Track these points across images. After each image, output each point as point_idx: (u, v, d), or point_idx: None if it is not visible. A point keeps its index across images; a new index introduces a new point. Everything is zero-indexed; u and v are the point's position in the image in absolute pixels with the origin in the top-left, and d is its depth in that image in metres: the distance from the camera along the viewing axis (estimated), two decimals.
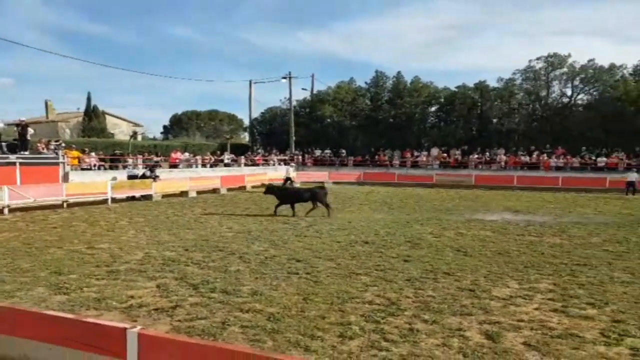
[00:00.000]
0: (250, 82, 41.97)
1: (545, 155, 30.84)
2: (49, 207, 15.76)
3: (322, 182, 20.24)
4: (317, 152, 37.27)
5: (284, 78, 39.35)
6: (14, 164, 17.05)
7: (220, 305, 5.74)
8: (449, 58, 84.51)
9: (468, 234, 11.20)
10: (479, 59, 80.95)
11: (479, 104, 37.18)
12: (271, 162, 34.25)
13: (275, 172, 30.34)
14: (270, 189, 15.63)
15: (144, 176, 21.00)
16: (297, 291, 6.33)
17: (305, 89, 42.11)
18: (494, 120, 37.22)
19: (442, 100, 38.09)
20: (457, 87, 37.74)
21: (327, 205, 14.65)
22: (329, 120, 39.68)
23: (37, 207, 15.31)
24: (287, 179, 25.22)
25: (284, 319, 5.23)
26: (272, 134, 42.47)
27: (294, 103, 40.49)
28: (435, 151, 34.19)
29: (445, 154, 33.49)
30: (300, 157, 36.50)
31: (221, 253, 8.82)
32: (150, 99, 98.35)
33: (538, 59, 35.64)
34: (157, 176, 21.38)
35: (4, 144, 18.39)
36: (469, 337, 4.74)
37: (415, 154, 34.58)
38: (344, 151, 36.28)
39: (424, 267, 7.76)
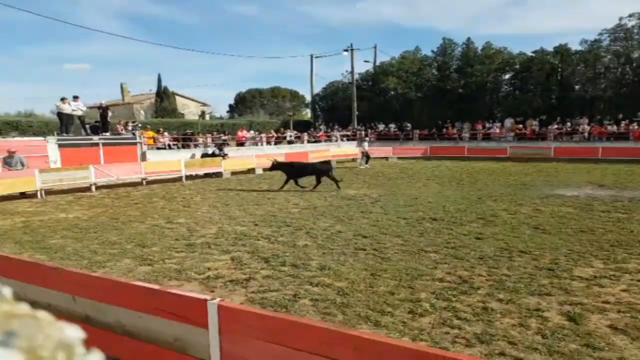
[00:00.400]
0: (311, 56, 41.63)
1: (635, 124, 28.08)
2: (130, 184, 16.81)
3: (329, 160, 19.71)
4: (381, 127, 36.57)
5: (346, 51, 38.48)
6: (97, 144, 18.32)
7: (291, 279, 5.89)
8: (525, 21, 78.94)
9: (546, 211, 10.62)
10: (559, 20, 75.04)
11: (559, 69, 33.97)
12: (334, 138, 34.15)
13: (338, 148, 30.30)
14: (276, 165, 16.10)
15: (213, 154, 21.81)
16: (365, 267, 6.35)
17: (367, 61, 41.12)
18: (577, 87, 33.89)
19: (517, 66, 35.28)
20: (534, 52, 34.63)
21: (334, 179, 15.05)
22: (392, 92, 38.38)
23: (120, 185, 16.38)
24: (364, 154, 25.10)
25: (353, 294, 5.28)
26: (333, 109, 42.03)
27: (356, 76, 39.66)
28: (509, 122, 32.10)
29: (520, 125, 31.22)
30: (362, 132, 36.10)
31: (289, 228, 9.01)
32: (216, 78, 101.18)
33: (631, 16, 31.61)
34: (226, 154, 22.13)
35: (87, 126, 19.77)
36: (548, 317, 4.53)
37: (487, 125, 32.59)
38: (408, 125, 35.16)
39: (498, 245, 7.48)
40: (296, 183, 15.28)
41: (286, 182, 15.28)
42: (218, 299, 3.20)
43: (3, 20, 77.06)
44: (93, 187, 15.54)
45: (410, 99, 37.65)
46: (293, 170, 15.67)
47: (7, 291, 0.45)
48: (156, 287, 4.09)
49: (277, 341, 2.84)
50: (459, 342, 4.10)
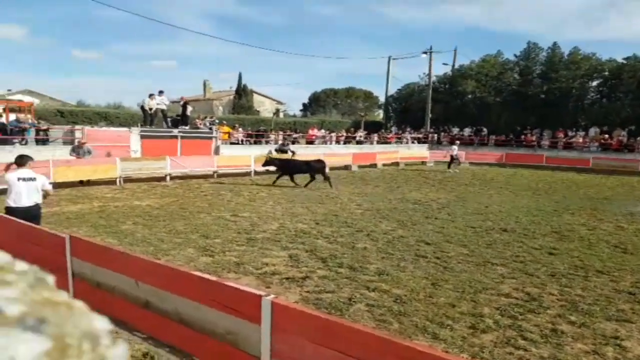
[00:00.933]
0: (389, 58, 41.17)
1: None
2: (202, 176, 17.50)
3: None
4: (455, 130, 35.49)
5: (425, 53, 37.73)
6: (176, 137, 19.27)
7: (347, 281, 5.81)
8: (616, 25, 73.67)
9: (630, 228, 9.75)
10: None
11: None
12: (404, 140, 33.57)
13: (408, 151, 29.74)
14: (270, 161, 16.19)
15: (280, 151, 22.17)
16: (426, 275, 6.13)
17: (446, 64, 40.05)
18: None
19: (606, 73, 32.89)
20: (626, 58, 32.18)
21: (326, 178, 15.43)
22: (470, 96, 37.13)
23: (192, 177, 17.10)
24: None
25: (411, 303, 5.10)
26: (406, 111, 41.40)
27: (433, 79, 38.85)
28: (593, 131, 29.96)
29: (606, 135, 29.16)
30: (435, 135, 35.17)
31: (349, 229, 8.93)
32: (293, 77, 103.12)
33: None
34: (294, 152, 22.45)
35: (169, 119, 20.87)
36: (628, 347, 4.12)
37: (570, 134, 30.59)
38: (484, 129, 33.94)
39: (573, 262, 6.94)
40: (292, 179, 15.70)
41: (279, 177, 15.80)
42: (272, 296, 3.20)
43: (99, 19, 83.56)
44: (168, 178, 16.33)
45: (488, 103, 36.21)
46: (287, 167, 16.06)
47: (51, 279, 0.48)
48: (214, 278, 4.18)
49: (328, 344, 2.78)
50: None
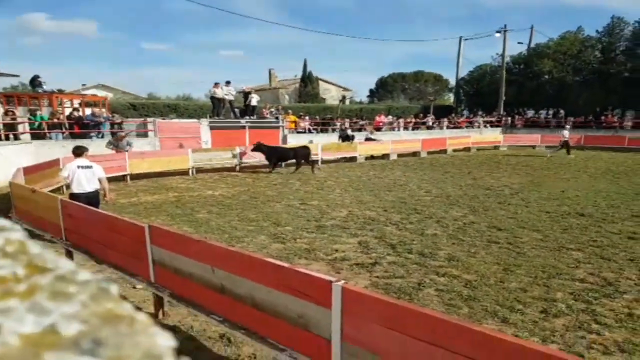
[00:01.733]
0: (460, 39, 39.60)
1: None
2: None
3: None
4: (530, 113, 33.64)
5: (498, 32, 35.85)
6: (244, 127, 19.86)
7: (416, 267, 5.79)
8: None
9: None
10: None
11: None
12: (476, 124, 32.33)
13: (480, 135, 28.64)
14: (257, 147, 16.01)
15: (344, 138, 22.23)
16: (497, 260, 5.97)
17: (521, 43, 37.80)
18: None
19: None
20: None
21: (311, 163, 16.04)
22: (546, 76, 34.88)
23: (261, 166, 17.57)
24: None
25: (481, 287, 5.02)
26: (478, 94, 39.71)
27: (507, 59, 36.88)
28: None
29: None
30: (509, 118, 33.54)
31: (418, 216, 8.83)
32: (360, 63, 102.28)
33: None
34: (353, 136, 22.56)
35: (236, 110, 21.50)
36: None
37: None
38: (562, 111, 31.89)
39: None
40: (275, 166, 16.01)
41: (274, 165, 16.08)
42: (343, 282, 3.27)
43: (168, 11, 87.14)
44: (237, 167, 16.89)
45: (566, 83, 33.86)
46: (275, 154, 16.15)
47: (114, 289, 0.46)
48: (286, 265, 4.32)
49: (397, 328, 2.81)
50: (595, 349, 3.68)
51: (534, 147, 26.92)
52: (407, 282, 5.27)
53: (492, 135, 29.18)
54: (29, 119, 17.02)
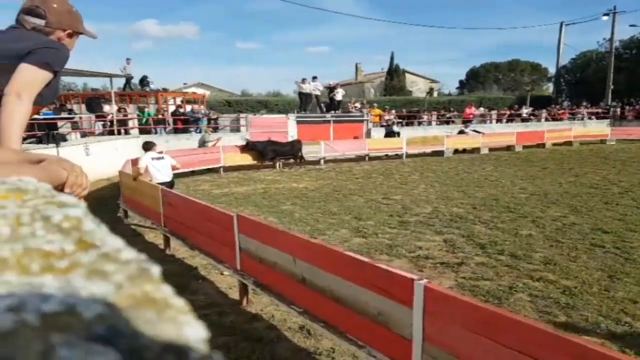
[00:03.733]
0: (561, 24, 36.79)
1: None
2: (353, 160, 17.92)
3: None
4: None
5: (606, 15, 32.77)
6: (328, 121, 20.04)
7: (508, 269, 5.43)
8: None
9: None
10: None
11: None
12: (579, 115, 29.78)
13: (583, 128, 26.34)
14: (249, 145, 15.10)
15: (391, 134, 21.50)
16: (601, 266, 5.43)
17: (634, 25, 34.17)
18: None
19: None
20: None
21: (299, 157, 15.61)
22: None
23: (344, 160, 17.62)
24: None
25: (582, 295, 4.58)
26: (582, 83, 36.63)
27: (616, 44, 33.49)
28: None
29: None
30: (618, 109, 30.46)
31: (511, 214, 8.29)
32: (448, 53, 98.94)
33: None
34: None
35: (322, 104, 21.77)
36: None
37: None
38: None
39: None
40: (265, 160, 15.20)
41: (272, 161, 15.34)
42: (425, 280, 3.14)
43: (258, 10, 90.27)
44: (322, 161, 17.07)
45: None
46: (269, 150, 15.20)
47: (156, 270, 0.44)
48: (366, 260, 4.26)
49: (484, 333, 2.64)
50: None
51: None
52: (497, 285, 4.96)
53: (598, 128, 26.68)
54: (138, 115, 18.71)
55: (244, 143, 15.61)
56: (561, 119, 28.92)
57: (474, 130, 22.11)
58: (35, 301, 0.39)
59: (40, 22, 2.02)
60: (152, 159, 7.88)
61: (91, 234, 0.57)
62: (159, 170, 7.85)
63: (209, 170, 14.49)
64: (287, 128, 18.99)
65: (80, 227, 0.61)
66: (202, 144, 16.68)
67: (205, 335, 0.34)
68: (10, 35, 1.97)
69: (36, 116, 10.33)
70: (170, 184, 7.90)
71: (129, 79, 20.63)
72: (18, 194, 0.83)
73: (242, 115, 20.86)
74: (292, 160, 16.22)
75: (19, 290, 0.42)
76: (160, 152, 8.63)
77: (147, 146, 8.10)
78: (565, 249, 6.19)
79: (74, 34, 2.15)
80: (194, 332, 0.34)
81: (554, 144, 23.28)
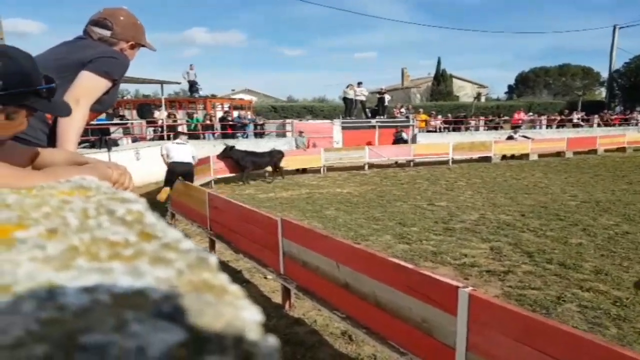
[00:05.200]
0: (614, 27, 35.24)
1: None
2: (398, 165, 17.76)
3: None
4: None
5: None
6: (374, 127, 20.00)
7: (556, 279, 5.24)
8: None
9: None
10: None
11: None
12: (633, 121, 28.31)
13: (638, 134, 24.97)
14: (229, 152, 13.38)
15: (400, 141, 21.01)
16: None
17: None
18: None
19: None
20: None
21: (279, 168, 14.29)
22: None
23: (389, 165, 17.49)
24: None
25: (635, 307, 4.39)
26: (636, 87, 34.83)
27: None
28: None
29: None
30: None
31: (561, 222, 7.99)
32: (497, 58, 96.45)
33: None
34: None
35: (367, 110, 21.76)
36: None
37: None
38: None
39: None
40: (244, 173, 13.54)
41: (245, 171, 13.56)
42: (470, 288, 3.09)
43: (304, 17, 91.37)
44: (366, 166, 17.02)
45: None
46: (248, 159, 13.56)
47: (213, 259, 0.47)
48: (410, 266, 4.23)
49: (530, 343, 2.58)
50: None
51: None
52: (545, 294, 4.79)
53: None
54: (187, 121, 19.33)
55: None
56: (614, 125, 27.61)
57: (523, 136, 21.44)
58: (106, 283, 0.44)
59: (107, 33, 2.15)
60: (175, 143, 9.33)
61: (152, 227, 0.63)
62: (178, 152, 9.00)
63: (256, 174, 14.70)
64: (332, 133, 19.09)
65: (142, 220, 0.67)
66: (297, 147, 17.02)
67: (261, 318, 0.37)
68: (77, 45, 2.12)
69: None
70: (187, 166, 8.98)
71: (192, 83, 21.33)
72: (82, 191, 0.91)
73: (287, 120, 21.13)
74: (268, 172, 14.55)
75: (91, 274, 0.47)
76: (183, 140, 9.71)
77: (176, 135, 10.18)
78: (617, 258, 5.92)
79: (136, 45, 2.28)
80: (250, 314, 0.38)
81: (607, 150, 22.21)
